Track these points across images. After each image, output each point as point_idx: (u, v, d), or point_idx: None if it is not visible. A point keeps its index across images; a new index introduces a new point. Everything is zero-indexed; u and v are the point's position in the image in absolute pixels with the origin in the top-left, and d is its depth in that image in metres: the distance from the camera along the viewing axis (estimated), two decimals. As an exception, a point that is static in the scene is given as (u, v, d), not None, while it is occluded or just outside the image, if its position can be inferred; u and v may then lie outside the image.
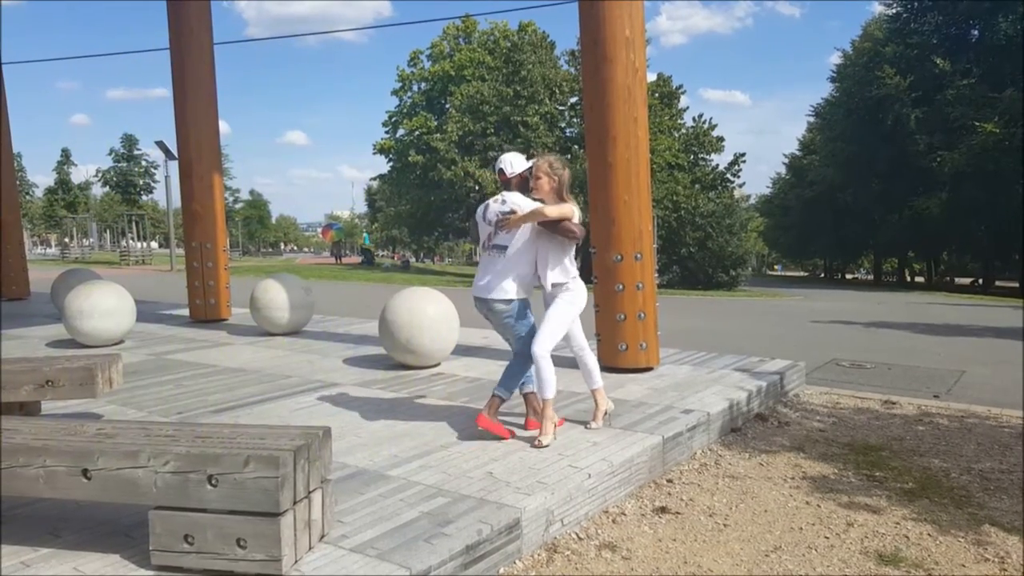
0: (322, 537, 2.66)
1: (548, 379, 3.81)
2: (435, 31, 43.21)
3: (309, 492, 2.54)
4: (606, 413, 4.15)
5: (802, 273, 58.30)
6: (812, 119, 40.71)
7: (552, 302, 3.89)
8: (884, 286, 34.91)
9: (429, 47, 41.91)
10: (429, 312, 5.78)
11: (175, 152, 9.41)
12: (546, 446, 3.76)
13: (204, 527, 2.41)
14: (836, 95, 35.71)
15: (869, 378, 6.84)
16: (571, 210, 3.78)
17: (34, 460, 2.54)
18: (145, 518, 2.48)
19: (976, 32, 29.04)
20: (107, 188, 49.17)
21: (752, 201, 49.38)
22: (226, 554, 2.40)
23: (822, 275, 50.74)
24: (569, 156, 27.17)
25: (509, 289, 3.82)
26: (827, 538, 3.19)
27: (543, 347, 3.79)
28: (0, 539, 2.73)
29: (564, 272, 3.87)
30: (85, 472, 2.50)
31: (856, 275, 52.80)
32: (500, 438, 3.85)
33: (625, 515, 3.43)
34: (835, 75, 36.50)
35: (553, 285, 3.86)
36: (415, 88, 42.35)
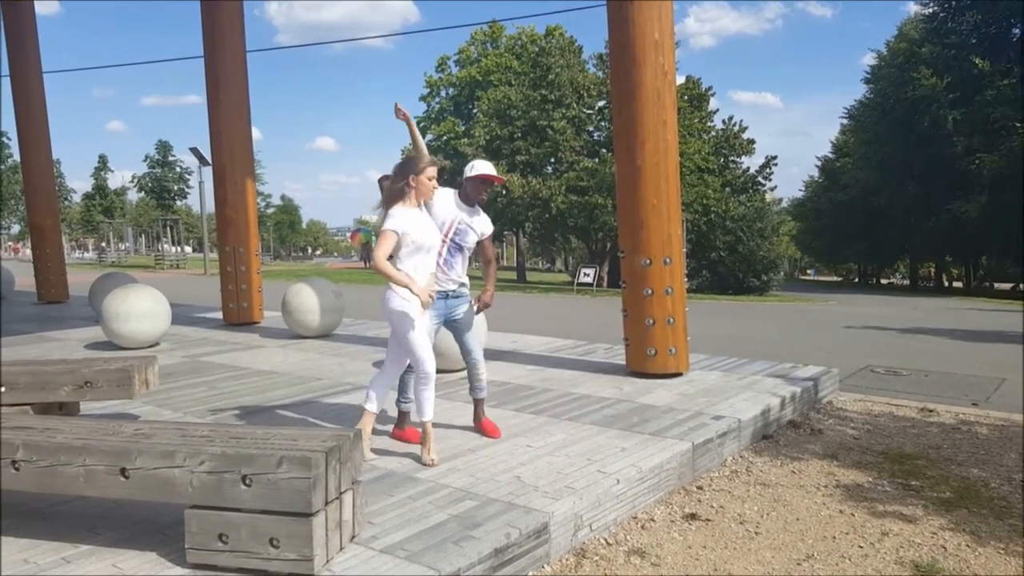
0: (353, 538, 2.69)
1: (372, 393, 3.84)
2: (463, 36, 43.47)
3: (340, 493, 2.57)
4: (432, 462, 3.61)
5: (836, 278, 57.27)
6: (845, 121, 40.08)
7: None
8: (921, 291, 34.12)
9: (457, 52, 42.23)
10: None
11: (209, 158, 9.56)
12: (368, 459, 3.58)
13: (238, 526, 2.45)
14: (870, 96, 35.06)
15: (905, 385, 6.70)
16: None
17: (75, 459, 2.61)
18: (181, 517, 2.53)
19: (1017, 31, 28.26)
20: (142, 193, 50.28)
21: (784, 204, 48.74)
22: (259, 553, 2.44)
23: (856, 280, 49.76)
24: (597, 159, 27.11)
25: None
26: (861, 547, 3.13)
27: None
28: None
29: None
30: (123, 471, 2.56)
31: (892, 280, 51.72)
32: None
33: (654, 521, 3.41)
34: (869, 76, 35.85)
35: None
36: (443, 93, 42.66)
